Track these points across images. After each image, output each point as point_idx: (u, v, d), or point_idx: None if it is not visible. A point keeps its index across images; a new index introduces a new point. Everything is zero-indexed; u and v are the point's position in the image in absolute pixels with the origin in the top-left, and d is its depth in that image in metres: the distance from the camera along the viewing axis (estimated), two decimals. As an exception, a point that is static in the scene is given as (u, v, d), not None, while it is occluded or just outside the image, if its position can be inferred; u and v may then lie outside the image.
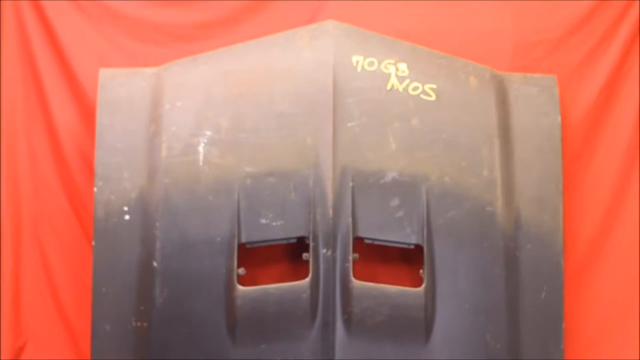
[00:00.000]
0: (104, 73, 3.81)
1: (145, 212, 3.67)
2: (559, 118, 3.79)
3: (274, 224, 3.64)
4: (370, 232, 3.67)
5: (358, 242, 3.68)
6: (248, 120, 3.70)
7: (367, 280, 3.68)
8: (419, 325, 3.66)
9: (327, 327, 3.65)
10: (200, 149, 3.67)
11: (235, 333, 3.63)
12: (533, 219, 3.73)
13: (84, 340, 3.89)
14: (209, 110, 3.71)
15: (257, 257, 3.82)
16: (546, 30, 4.06)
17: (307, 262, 3.65)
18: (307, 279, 3.63)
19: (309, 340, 3.65)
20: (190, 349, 3.64)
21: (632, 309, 4.00)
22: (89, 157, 3.88)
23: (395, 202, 3.68)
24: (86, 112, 3.98)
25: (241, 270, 3.64)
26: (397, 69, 3.76)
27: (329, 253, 3.63)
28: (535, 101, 3.83)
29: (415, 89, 3.74)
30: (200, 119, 3.70)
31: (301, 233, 3.65)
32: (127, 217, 3.67)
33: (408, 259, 3.88)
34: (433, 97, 3.75)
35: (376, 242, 3.70)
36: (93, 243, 3.66)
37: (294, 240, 3.68)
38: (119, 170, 3.69)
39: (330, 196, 3.64)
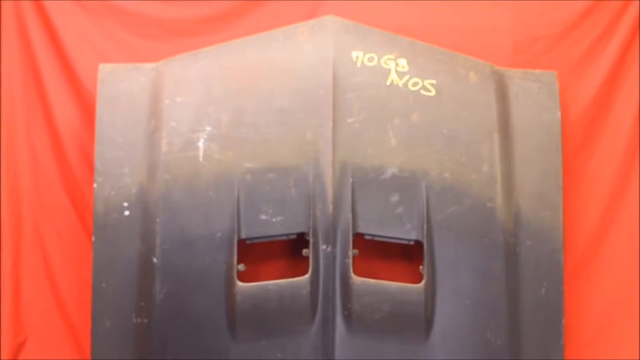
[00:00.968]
0: (104, 68, 3.81)
1: (145, 207, 3.67)
2: (559, 114, 3.79)
3: (274, 219, 3.64)
4: (370, 228, 3.67)
5: (358, 238, 3.67)
6: (248, 116, 3.70)
7: (367, 276, 3.67)
8: (419, 321, 3.65)
9: (327, 323, 3.64)
10: (200, 144, 3.67)
11: (235, 329, 3.63)
12: (533, 215, 3.73)
13: (84, 336, 3.89)
14: (208, 105, 3.71)
15: (257, 253, 3.82)
16: (546, 26, 4.05)
17: (307, 258, 3.65)
18: (307, 275, 3.63)
19: (309, 336, 3.65)
20: (191, 345, 3.64)
21: (632, 305, 4.00)
22: (89, 152, 3.88)
23: (395, 197, 3.67)
24: (86, 107, 3.98)
25: (241, 266, 3.64)
26: (397, 65, 3.75)
27: (329, 249, 3.63)
28: (536, 97, 3.82)
29: (415, 84, 3.74)
30: (200, 114, 3.70)
31: (301, 229, 3.65)
32: (127, 212, 3.67)
33: (408, 255, 3.88)
34: (433, 93, 3.74)
35: (376, 238, 3.69)
36: (93, 239, 3.66)
37: (294, 236, 3.68)
38: (119, 165, 3.69)
39: (330, 192, 3.64)
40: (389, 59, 3.76)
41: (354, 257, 3.64)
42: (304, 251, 3.65)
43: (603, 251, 4.02)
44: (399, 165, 3.69)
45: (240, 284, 3.62)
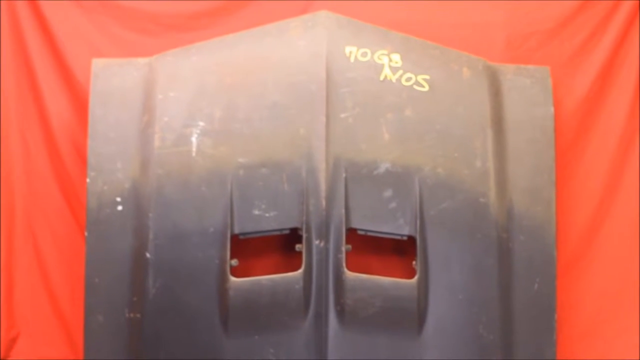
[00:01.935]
0: (97, 63, 3.80)
1: (138, 202, 3.66)
2: (552, 109, 3.79)
3: (267, 215, 3.64)
4: (363, 223, 3.67)
5: (351, 233, 3.67)
6: (241, 111, 3.70)
7: (360, 271, 3.67)
8: (411, 316, 3.65)
9: (320, 318, 3.64)
10: (193, 139, 3.67)
11: (228, 324, 3.63)
12: (526, 211, 3.73)
13: (77, 331, 3.89)
14: (201, 100, 3.71)
15: (250, 249, 3.82)
16: (539, 21, 4.06)
17: (300, 253, 3.64)
18: (300, 271, 3.63)
19: (302, 331, 3.64)
20: (183, 340, 3.63)
21: (624, 300, 4.01)
22: (82, 147, 3.88)
23: (388, 193, 3.67)
24: (79, 102, 3.98)
25: (234, 262, 3.64)
26: (390, 60, 3.75)
27: (322, 244, 3.63)
28: (528, 92, 3.83)
29: (408, 79, 3.74)
30: (193, 109, 3.69)
31: (294, 224, 3.65)
32: (119, 207, 3.66)
33: (401, 251, 3.88)
34: (426, 88, 3.74)
35: (369, 233, 3.69)
36: (86, 234, 3.65)
37: (287, 232, 3.68)
38: (112, 160, 3.69)
39: (323, 187, 3.64)
40: (382, 54, 3.76)
41: (347, 252, 3.64)
42: (297, 246, 3.65)
43: (596, 247, 4.03)
44: (392, 161, 3.69)
45: (233, 279, 3.62)
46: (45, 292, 4.00)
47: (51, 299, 4.00)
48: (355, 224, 3.66)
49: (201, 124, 3.68)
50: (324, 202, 3.64)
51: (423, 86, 3.74)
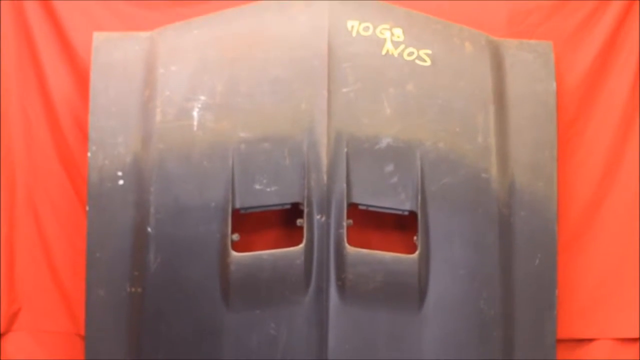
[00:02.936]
0: (98, 37, 3.78)
1: (139, 177, 3.66)
2: (554, 84, 3.79)
3: (268, 189, 3.64)
4: (365, 198, 3.67)
5: (352, 208, 3.67)
6: (242, 85, 3.69)
7: (361, 246, 3.68)
8: (412, 291, 3.66)
9: (321, 293, 3.65)
10: (195, 113, 3.66)
11: (229, 299, 3.64)
12: (527, 186, 3.73)
13: (78, 305, 3.89)
14: (203, 74, 3.69)
15: (252, 223, 3.82)
16: (542, -4, 4.05)
17: (301, 228, 3.64)
18: (301, 245, 3.63)
19: (302, 306, 3.65)
20: (185, 315, 3.64)
21: (625, 276, 4.00)
22: (83, 121, 3.86)
23: (389, 168, 3.67)
24: (80, 76, 3.96)
25: (235, 236, 3.64)
26: (392, 34, 3.74)
27: (323, 219, 3.63)
28: (531, 67, 3.81)
29: (410, 54, 3.73)
30: (195, 83, 3.68)
31: (295, 199, 3.65)
32: (121, 182, 3.66)
33: (402, 226, 3.88)
34: (428, 63, 3.74)
35: (370, 208, 3.69)
36: (87, 208, 3.65)
37: (288, 206, 3.68)
38: (113, 135, 3.68)
39: (324, 162, 3.64)
40: (384, 28, 3.75)
41: (348, 227, 3.64)
42: (298, 221, 3.65)
43: (597, 222, 4.02)
44: (394, 135, 3.68)
45: (234, 253, 3.62)
46: (46, 266, 4.00)
47: (52, 273, 4.00)
48: (357, 198, 3.66)
49: (203, 98, 3.67)
50: (325, 177, 3.64)
51: (425, 61, 3.73)
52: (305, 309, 3.65)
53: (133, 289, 3.65)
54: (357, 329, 3.66)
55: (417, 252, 3.65)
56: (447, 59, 3.76)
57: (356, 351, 3.66)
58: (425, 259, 3.65)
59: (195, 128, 3.66)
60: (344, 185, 3.64)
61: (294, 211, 3.68)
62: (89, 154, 3.67)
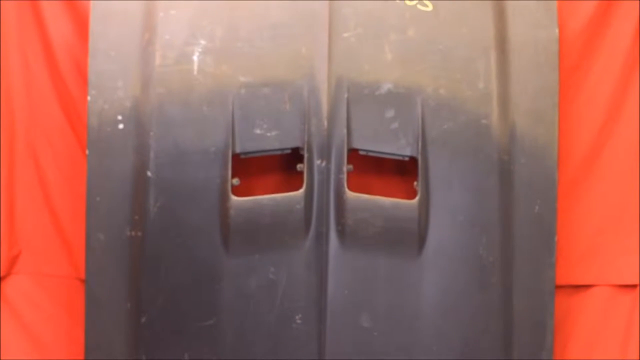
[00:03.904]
0: (98, -20, 3.77)
1: (139, 121, 3.65)
2: (557, 30, 3.76)
3: (269, 134, 3.63)
4: (365, 143, 3.66)
5: (353, 153, 3.67)
6: (243, 30, 3.67)
7: (362, 192, 3.68)
8: (412, 237, 3.67)
9: (321, 238, 3.66)
10: (195, 58, 3.64)
11: (229, 243, 3.64)
12: (528, 133, 3.72)
13: (78, 249, 3.90)
14: (203, 19, 3.67)
15: (252, 168, 3.81)
16: (545, -59, 4.00)
17: (301, 173, 3.64)
18: (301, 190, 3.63)
19: (302, 251, 3.66)
20: (184, 258, 3.65)
21: (624, 223, 4.00)
22: (83, 65, 3.84)
23: (390, 113, 3.66)
24: (80, 19, 3.93)
25: (235, 181, 3.64)
26: (394, -21, 3.72)
27: (323, 164, 3.63)
28: (533, 13, 3.78)
29: (412, -1, 3.72)
30: (195, 27, 3.66)
31: (296, 144, 3.64)
32: (121, 126, 3.65)
33: (402, 172, 3.88)
34: (430, 8, 3.71)
35: (371, 154, 3.69)
36: (87, 152, 3.65)
37: (289, 151, 3.67)
38: (113, 79, 3.66)
39: (325, 107, 3.63)
40: (386, -27, 3.73)
41: (348, 173, 3.64)
42: (298, 166, 3.65)
43: (597, 169, 4.01)
44: (395, 81, 3.67)
45: (234, 198, 3.62)
46: (46, 210, 4.00)
47: (52, 216, 4.00)
48: (357, 144, 3.65)
49: (202, 42, 3.65)
50: (325, 122, 3.63)
51: (427, 6, 3.71)
52: (305, 254, 3.66)
53: (133, 233, 3.65)
54: (357, 274, 3.68)
55: (417, 198, 3.65)
56: (449, 5, 3.73)
57: (355, 296, 3.67)
58: (425, 205, 3.66)
59: (195, 72, 3.65)
60: (345, 130, 3.63)
61: (294, 156, 3.68)
62: (88, 98, 3.65)
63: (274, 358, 3.69)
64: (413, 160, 3.67)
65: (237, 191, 3.64)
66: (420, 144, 3.64)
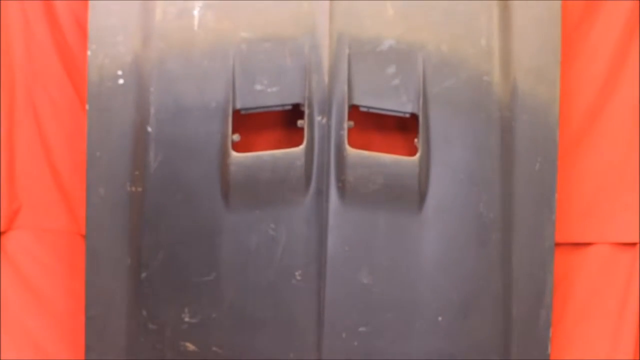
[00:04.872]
0: None
1: (139, 76, 3.64)
2: (559, -14, 3.75)
3: (269, 90, 3.62)
4: (366, 99, 3.65)
5: (354, 110, 3.66)
6: (244, -15, 3.66)
7: (362, 148, 3.68)
8: (412, 194, 3.67)
9: (321, 194, 3.66)
10: (196, 13, 3.62)
11: (229, 199, 3.65)
12: (530, 90, 3.70)
13: (78, 204, 3.90)
14: (204, -27, 3.66)
15: (252, 124, 3.81)
16: None
17: (301, 129, 3.64)
18: (302, 147, 3.63)
19: (302, 207, 3.66)
20: (185, 214, 3.66)
21: (625, 181, 4.00)
22: (83, 19, 3.82)
23: (391, 70, 3.65)
24: (79, -27, 3.92)
25: (236, 137, 3.63)
26: None
27: (324, 120, 3.62)
28: (536, -32, 3.77)
29: (414, -47, 3.68)
30: (195, -18, 3.65)
31: (296, 100, 3.63)
32: (121, 81, 3.64)
33: (403, 128, 3.87)
34: (432, -37, 3.69)
35: (372, 110, 3.67)
36: (87, 107, 3.64)
37: (289, 107, 3.66)
38: (113, 33, 3.64)
39: (326, 63, 3.62)
40: None
41: (349, 129, 3.64)
42: (299, 122, 3.64)
43: (599, 127, 4.00)
44: (396, 37, 3.65)
45: (234, 154, 3.62)
46: (47, 165, 3.99)
47: (53, 172, 3.99)
48: (358, 100, 3.64)
49: (203, -3, 3.64)
50: (326, 79, 3.62)
51: (429, -39, 3.69)
52: (305, 210, 3.67)
53: (133, 188, 3.65)
54: (357, 230, 3.68)
55: (417, 155, 3.65)
56: (452, -40, 3.71)
57: (355, 252, 3.68)
58: (425, 162, 3.65)
59: (195, 27, 3.63)
60: (346, 86, 3.62)
61: (295, 112, 3.67)
62: (88, 53, 3.63)
63: (274, 313, 3.70)
64: (414, 117, 3.66)
65: (237, 147, 3.63)
66: (421, 100, 3.64)
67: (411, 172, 3.65)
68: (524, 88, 3.70)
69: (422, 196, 3.67)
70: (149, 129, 3.62)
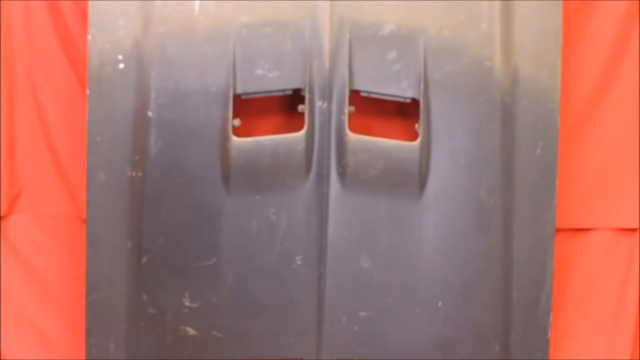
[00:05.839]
0: None
1: (140, 61, 3.63)
2: (561, -29, 3.74)
3: (270, 75, 3.62)
4: (367, 84, 3.65)
5: (354, 95, 3.66)
6: (244, -31, 3.65)
7: (363, 133, 3.68)
8: (413, 179, 3.67)
9: (322, 179, 3.66)
10: (196, -3, 3.63)
11: (229, 184, 3.65)
12: (531, 75, 3.70)
13: (79, 188, 3.90)
14: (204, -44, 3.65)
15: (253, 109, 3.80)
16: None
17: (302, 114, 3.64)
18: (302, 131, 3.63)
19: (303, 192, 3.66)
20: (185, 199, 3.66)
21: (625, 166, 4.00)
22: (83, 4, 3.81)
23: (392, 55, 3.64)
24: (79, -43, 3.91)
25: (236, 121, 3.63)
26: None
27: (325, 105, 3.62)
28: (537, -47, 3.76)
29: (416, -63, 3.67)
30: (196, -34, 3.64)
31: (297, 85, 3.63)
32: (121, 65, 3.63)
33: (404, 113, 3.87)
34: (433, -53, 3.69)
35: (372, 95, 3.67)
36: (87, 92, 3.63)
37: (290, 92, 3.66)
38: (114, 18, 3.63)
39: (327, 48, 3.61)
40: None
41: (349, 114, 3.63)
42: (300, 107, 3.64)
43: (599, 112, 4.00)
44: (397, 22, 3.64)
45: (235, 138, 3.62)
46: (47, 149, 3.99)
47: (53, 156, 3.99)
48: (359, 85, 3.64)
49: (204, -19, 3.64)
50: (327, 63, 3.61)
51: (430, -55, 3.68)
52: (306, 195, 3.67)
53: (134, 173, 3.65)
54: (357, 215, 3.68)
55: (418, 140, 3.65)
56: (453, -56, 3.70)
57: (356, 237, 3.69)
58: (426, 147, 3.65)
59: (196, 12, 3.62)
60: (346, 71, 3.62)
61: (296, 97, 3.67)
62: (89, 37, 3.63)
63: (274, 298, 3.71)
64: (414, 102, 3.66)
65: (238, 132, 3.63)
66: (422, 85, 3.63)
67: (412, 157, 3.65)
68: (525, 73, 3.69)
69: (422, 181, 3.67)
70: (150, 114, 3.62)
